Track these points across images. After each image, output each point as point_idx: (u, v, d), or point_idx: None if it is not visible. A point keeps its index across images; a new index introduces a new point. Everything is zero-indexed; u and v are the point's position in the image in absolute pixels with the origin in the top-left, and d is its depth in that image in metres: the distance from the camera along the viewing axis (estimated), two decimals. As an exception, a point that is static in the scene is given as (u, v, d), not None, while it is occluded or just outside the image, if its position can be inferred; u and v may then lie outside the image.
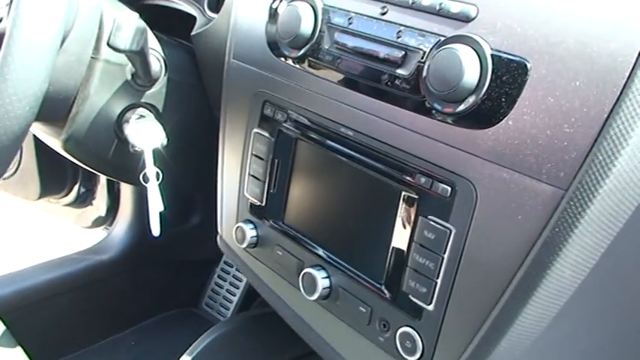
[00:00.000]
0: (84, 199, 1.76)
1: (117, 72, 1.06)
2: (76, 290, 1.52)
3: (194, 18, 1.18)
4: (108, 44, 0.95)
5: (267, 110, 0.93)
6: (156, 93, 1.12)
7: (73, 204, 1.76)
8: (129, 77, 1.08)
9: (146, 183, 1.02)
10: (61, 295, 1.49)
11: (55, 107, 1.04)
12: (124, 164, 1.14)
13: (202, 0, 1.19)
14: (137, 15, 0.98)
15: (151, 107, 1.12)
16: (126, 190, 1.57)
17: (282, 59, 0.90)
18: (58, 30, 0.84)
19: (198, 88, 1.17)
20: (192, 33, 1.14)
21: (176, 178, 1.20)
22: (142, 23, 0.97)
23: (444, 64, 0.70)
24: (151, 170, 1.02)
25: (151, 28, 1.13)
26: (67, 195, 1.74)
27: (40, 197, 1.68)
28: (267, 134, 0.93)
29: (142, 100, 1.11)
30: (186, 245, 1.60)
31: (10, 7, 0.90)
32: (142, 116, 1.10)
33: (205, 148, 1.17)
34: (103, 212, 1.71)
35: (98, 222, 1.75)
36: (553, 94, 0.64)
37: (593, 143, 0.62)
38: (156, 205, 1.01)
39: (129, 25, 0.94)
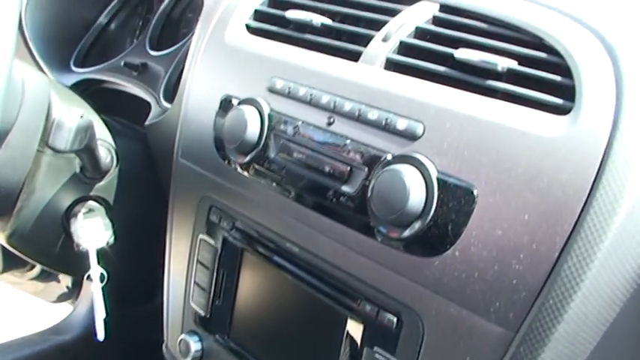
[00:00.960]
0: (48, 274, 1.70)
1: (64, 165, 1.01)
2: (35, 375, 1.45)
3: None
4: (47, 145, 0.90)
5: (214, 216, 0.88)
6: (106, 185, 1.07)
7: (37, 278, 1.70)
8: (77, 170, 1.03)
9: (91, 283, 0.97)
10: (18, 380, 1.42)
11: (-2, 202, 0.99)
12: (71, 259, 1.08)
13: (158, 88, 1.15)
14: (80, 112, 0.94)
15: (101, 200, 1.07)
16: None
17: (229, 163, 0.85)
18: None
19: (152, 178, 1.12)
20: (146, 123, 1.10)
21: (133, 266, 1.14)
22: (86, 121, 0.92)
23: (389, 186, 0.65)
24: (95, 272, 0.97)
25: (107, 112, 1.09)
26: (31, 269, 1.69)
27: (3, 271, 1.62)
28: (212, 242, 0.88)
29: (92, 193, 1.06)
30: (153, 324, 1.53)
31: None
32: (91, 210, 1.05)
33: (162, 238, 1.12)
34: (68, 287, 1.66)
35: (63, 297, 1.69)
36: (501, 225, 0.59)
37: (544, 284, 0.57)
38: (99, 310, 0.96)
39: (69, 124, 0.89)
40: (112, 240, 1.01)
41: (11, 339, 1.48)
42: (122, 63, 1.23)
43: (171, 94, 1.13)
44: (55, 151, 0.90)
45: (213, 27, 0.93)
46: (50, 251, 1.06)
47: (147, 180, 1.12)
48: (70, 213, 1.04)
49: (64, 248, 1.06)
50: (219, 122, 0.87)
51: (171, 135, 1.01)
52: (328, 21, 0.85)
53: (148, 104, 1.16)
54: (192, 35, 1.16)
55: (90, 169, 1.03)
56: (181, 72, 1.15)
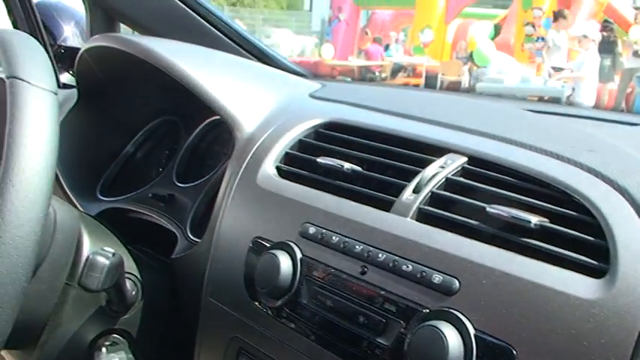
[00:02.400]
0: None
1: (91, 299, 1.02)
2: None
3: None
4: (79, 284, 0.92)
5: (243, 359, 0.87)
6: (131, 319, 1.06)
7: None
8: (103, 303, 1.03)
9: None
10: None
11: (23, 334, 0.99)
12: None
13: (185, 221, 1.17)
14: (112, 251, 0.96)
15: (125, 333, 1.06)
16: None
17: (260, 306, 0.86)
18: (29, 269, 0.81)
19: (176, 313, 1.12)
20: (173, 256, 1.11)
21: None
22: (117, 258, 0.94)
23: (427, 343, 0.65)
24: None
25: (132, 242, 1.11)
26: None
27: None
28: (241, 386, 0.87)
29: (116, 326, 1.06)
30: None
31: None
32: (114, 343, 1.05)
33: None
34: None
35: None
36: (543, 389, 0.59)
37: None
38: None
39: (102, 264, 0.91)
40: None
41: None
42: (150, 194, 1.26)
43: (197, 227, 1.15)
44: (87, 290, 0.92)
45: (244, 168, 0.96)
46: None
47: (171, 315, 1.12)
48: (93, 346, 1.04)
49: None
50: (250, 264, 0.88)
51: (198, 271, 1.02)
52: (358, 168, 0.87)
53: (174, 236, 1.18)
54: (219, 169, 1.19)
55: (116, 303, 1.03)
56: (208, 205, 1.18)
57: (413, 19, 11.48)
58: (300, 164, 0.94)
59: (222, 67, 1.19)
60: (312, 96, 1.16)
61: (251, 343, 0.87)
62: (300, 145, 0.97)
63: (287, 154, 0.96)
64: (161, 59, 1.10)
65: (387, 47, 11.22)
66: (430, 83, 10.24)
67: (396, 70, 10.49)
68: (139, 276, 1.09)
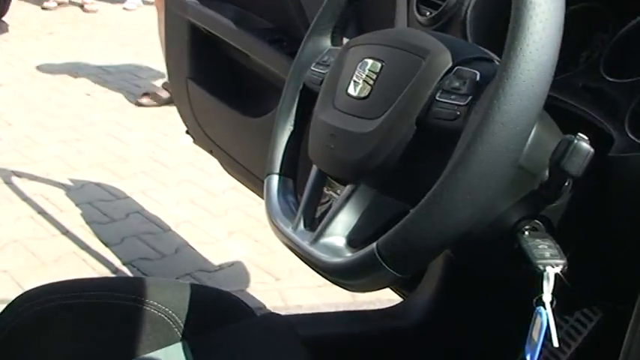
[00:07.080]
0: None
1: (527, 180, 1.01)
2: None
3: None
4: (559, 166, 0.92)
5: None
6: (556, 208, 1.05)
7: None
8: (536, 187, 1.02)
9: (537, 307, 0.96)
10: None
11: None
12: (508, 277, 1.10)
13: (621, 118, 1.11)
14: (585, 138, 0.93)
15: (545, 221, 1.06)
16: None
17: None
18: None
19: (606, 211, 1.08)
20: (610, 154, 1.06)
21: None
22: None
23: None
24: (546, 297, 0.96)
25: None
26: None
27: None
28: None
29: (541, 213, 1.05)
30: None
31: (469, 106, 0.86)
32: (534, 228, 1.05)
33: None
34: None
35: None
36: None
37: None
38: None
39: (586, 150, 0.91)
40: (565, 268, 0.99)
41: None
42: (580, 84, 1.21)
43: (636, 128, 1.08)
44: (567, 175, 0.92)
45: None
46: (489, 261, 1.09)
47: (598, 208, 1.08)
48: (515, 228, 1.04)
49: (502, 261, 1.08)
50: None
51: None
52: None
53: (596, 130, 1.12)
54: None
55: (552, 189, 1.01)
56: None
57: None
58: None
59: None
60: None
61: None
62: None
63: None
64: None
65: None
66: None
67: None
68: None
